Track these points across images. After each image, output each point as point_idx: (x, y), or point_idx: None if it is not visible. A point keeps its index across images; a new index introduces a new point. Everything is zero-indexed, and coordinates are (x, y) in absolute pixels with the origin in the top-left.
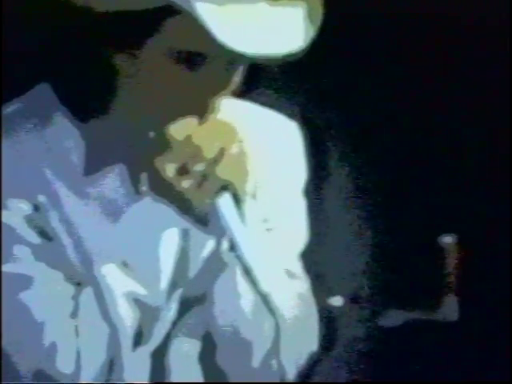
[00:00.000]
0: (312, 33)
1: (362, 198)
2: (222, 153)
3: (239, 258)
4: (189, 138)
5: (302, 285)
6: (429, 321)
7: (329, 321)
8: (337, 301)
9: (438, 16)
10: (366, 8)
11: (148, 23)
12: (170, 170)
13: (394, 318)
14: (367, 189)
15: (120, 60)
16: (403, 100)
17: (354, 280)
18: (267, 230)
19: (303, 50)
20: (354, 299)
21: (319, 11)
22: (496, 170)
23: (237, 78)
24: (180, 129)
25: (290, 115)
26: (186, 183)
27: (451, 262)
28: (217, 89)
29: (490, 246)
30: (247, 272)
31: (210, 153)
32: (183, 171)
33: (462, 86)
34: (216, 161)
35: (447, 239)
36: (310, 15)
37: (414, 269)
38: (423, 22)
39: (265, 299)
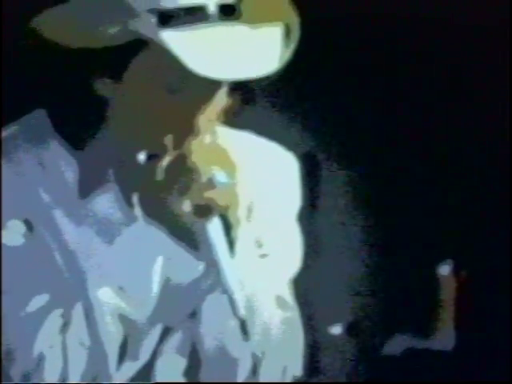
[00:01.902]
0: (288, 54)
1: (358, 224)
2: (214, 179)
3: (221, 282)
4: (183, 161)
5: (290, 311)
6: (425, 350)
7: (324, 349)
8: (335, 329)
9: (430, 21)
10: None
11: (123, 57)
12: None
13: (390, 346)
14: (363, 214)
15: (106, 88)
16: (399, 124)
17: (349, 309)
18: (262, 255)
19: (278, 72)
20: (349, 328)
21: (296, 32)
22: (496, 196)
23: (222, 98)
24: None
25: (285, 142)
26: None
27: (448, 291)
28: (202, 108)
29: (487, 275)
30: (228, 296)
31: (203, 178)
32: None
33: (460, 101)
34: (208, 186)
35: (444, 269)
36: (286, 37)
37: (409, 298)
38: (415, 31)
39: (241, 325)
